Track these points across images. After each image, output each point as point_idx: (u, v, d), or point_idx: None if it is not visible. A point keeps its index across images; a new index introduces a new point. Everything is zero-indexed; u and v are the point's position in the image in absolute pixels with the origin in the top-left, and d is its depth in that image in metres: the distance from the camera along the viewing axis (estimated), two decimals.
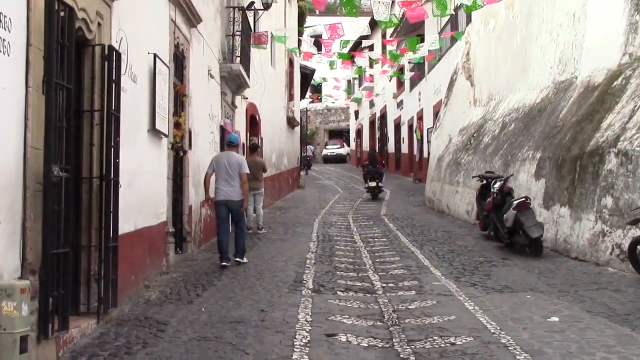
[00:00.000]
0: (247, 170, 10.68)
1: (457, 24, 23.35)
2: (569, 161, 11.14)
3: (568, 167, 11.11)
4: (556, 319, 6.73)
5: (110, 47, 6.63)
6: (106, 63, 6.55)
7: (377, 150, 39.98)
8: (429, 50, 21.23)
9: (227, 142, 11.15)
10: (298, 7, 29.66)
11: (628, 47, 11.00)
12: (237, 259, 10.39)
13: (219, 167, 10.43)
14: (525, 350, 5.60)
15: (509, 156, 14.35)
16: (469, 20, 21.57)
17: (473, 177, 15.10)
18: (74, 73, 5.77)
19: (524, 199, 11.37)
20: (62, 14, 5.33)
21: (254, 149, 15.75)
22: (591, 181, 10.27)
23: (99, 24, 6.55)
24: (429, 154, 25.20)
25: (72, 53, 5.58)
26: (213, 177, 10.58)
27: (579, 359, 5.36)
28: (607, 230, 9.63)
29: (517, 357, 5.43)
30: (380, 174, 23.66)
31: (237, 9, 15.50)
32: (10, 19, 4.66)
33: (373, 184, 23.25)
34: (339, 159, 50.19)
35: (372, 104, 44.23)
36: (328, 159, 50.25)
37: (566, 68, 13.31)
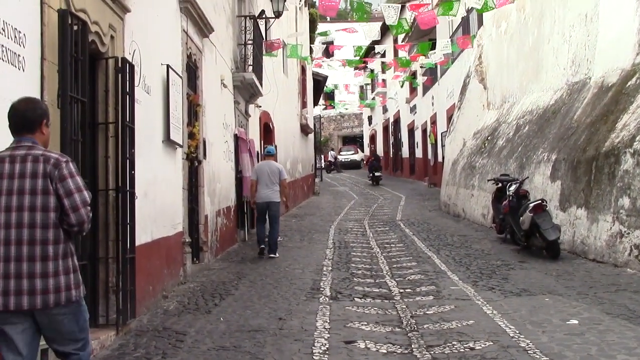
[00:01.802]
0: (287, 176, 12.81)
1: (469, 27, 23.32)
2: (584, 162, 11.08)
3: (584, 169, 11.05)
4: (575, 321, 6.69)
5: (124, 60, 6.68)
6: (120, 75, 6.60)
7: (391, 156, 40.81)
8: (443, 54, 21.24)
9: (265, 153, 13.24)
10: (309, 14, 29.74)
11: None
12: (271, 255, 11.94)
13: (261, 174, 12.18)
14: (545, 353, 5.57)
15: (523, 159, 14.30)
16: (480, 23, 21.54)
17: (488, 180, 15.04)
18: (88, 86, 5.83)
19: (540, 201, 11.31)
20: (75, 27, 5.38)
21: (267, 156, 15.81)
22: (607, 182, 10.20)
23: (111, 37, 6.60)
24: (443, 158, 25.15)
25: (85, 66, 5.63)
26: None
27: None
28: (624, 231, 9.56)
29: None
30: (380, 167, 34.90)
31: (248, 17, 15.56)
32: (24, 34, 4.71)
33: (378, 174, 33.94)
34: (353, 165, 50.20)
35: (385, 110, 44.23)
36: (342, 165, 50.29)
37: (579, 69, 13.24)
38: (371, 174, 34.28)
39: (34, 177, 3.63)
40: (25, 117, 3.79)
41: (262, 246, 12.10)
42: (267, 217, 12.22)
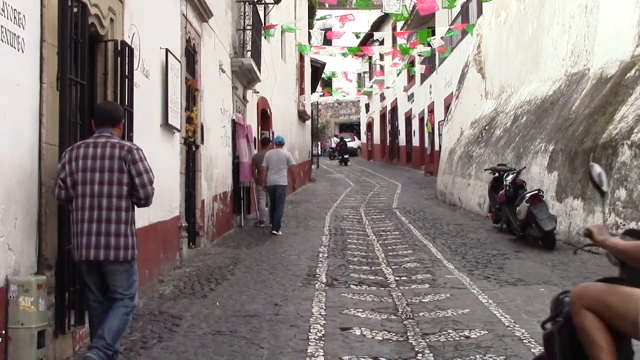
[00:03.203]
0: (294, 162, 14.36)
1: (468, 16, 23.27)
2: (581, 153, 11.09)
3: (581, 160, 11.06)
4: None
5: (123, 43, 6.65)
6: (119, 59, 6.57)
7: (387, 144, 41.10)
8: (441, 38, 21.17)
9: (275, 141, 14.81)
10: (308, 0, 29.62)
11: None
12: (274, 232, 13.08)
13: (271, 161, 13.48)
14: (540, 343, 5.58)
15: (521, 149, 14.31)
16: (479, 12, 21.48)
17: (485, 169, 15.06)
18: (87, 69, 5.79)
19: (536, 191, 11.33)
20: (75, 10, 5.35)
21: (265, 142, 15.78)
22: (604, 173, 10.20)
23: (111, 20, 6.57)
24: (440, 147, 25.15)
25: (85, 49, 5.60)
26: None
27: None
28: (620, 223, 9.59)
29: (532, 350, 5.43)
30: (347, 151, 42.95)
31: (247, 3, 15.49)
32: (24, 15, 4.68)
33: (346, 156, 41.51)
34: (350, 152, 50.14)
35: (382, 97, 44.15)
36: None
37: (578, 60, 13.23)
38: (340, 157, 42.07)
39: (112, 158, 4.75)
40: (110, 115, 5.02)
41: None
42: (274, 199, 13.44)
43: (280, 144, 14.41)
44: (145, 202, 4.93)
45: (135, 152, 4.82)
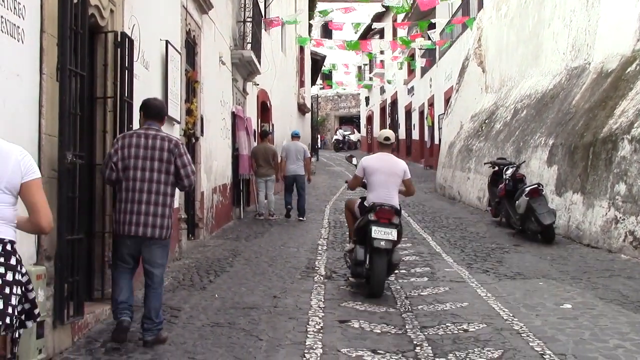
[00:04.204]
0: (309, 155, 15.66)
1: (469, 9, 23.22)
2: (581, 148, 11.09)
3: (581, 154, 11.06)
4: (569, 305, 6.73)
5: (123, 34, 6.63)
6: (119, 50, 6.55)
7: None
8: (440, 33, 21.14)
9: (292, 134, 15.92)
10: None
11: None
12: (300, 218, 14.21)
13: (289, 152, 14.59)
14: (539, 337, 5.61)
15: (521, 143, 14.30)
16: (480, 5, 21.44)
17: (485, 163, 15.05)
18: (87, 60, 5.78)
19: (536, 185, 11.33)
20: (75, 0, 5.33)
21: (264, 135, 15.71)
22: (604, 168, 10.22)
23: (111, 11, 6.54)
24: (440, 140, 25.14)
25: (85, 40, 5.58)
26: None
27: (592, 345, 5.36)
28: (620, 217, 9.60)
29: (530, 343, 5.44)
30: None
31: None
32: (24, 5, 4.67)
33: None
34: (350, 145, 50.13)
35: (382, 91, 44.09)
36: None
37: (579, 54, 13.22)
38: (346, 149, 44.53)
39: (161, 150, 5.42)
40: (160, 110, 5.75)
41: (290, 207, 14.48)
42: (294, 187, 14.49)
43: (296, 136, 15.52)
44: (188, 189, 6.02)
45: (181, 146, 5.50)
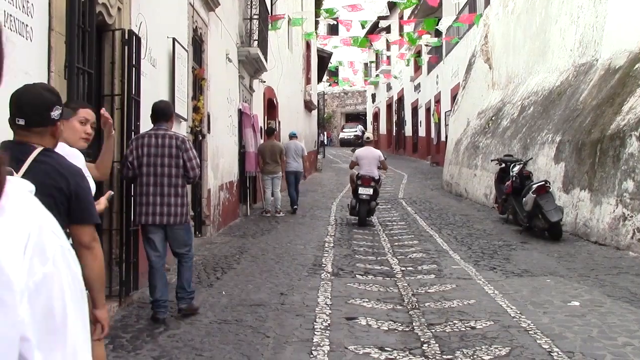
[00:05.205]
0: (306, 153, 17.13)
1: (476, 6, 23.17)
2: (589, 145, 11.06)
3: (588, 151, 11.03)
4: (577, 303, 6.72)
5: (130, 32, 6.64)
6: (126, 48, 6.57)
7: (394, 134, 41.13)
8: (447, 29, 21.09)
9: (290, 135, 16.77)
10: None
11: None
12: (295, 207, 15.32)
13: (289, 150, 15.70)
14: (546, 334, 5.60)
15: (527, 139, 14.27)
16: (487, 2, 21.39)
17: (492, 160, 15.03)
18: (94, 58, 5.80)
19: (543, 182, 11.30)
20: None
21: (270, 132, 15.69)
22: (612, 165, 10.19)
23: (119, 9, 6.56)
24: (446, 137, 25.11)
25: (92, 38, 5.60)
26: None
27: (600, 343, 5.35)
28: (628, 214, 9.57)
29: (538, 341, 5.43)
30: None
31: None
32: (32, 4, 4.68)
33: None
34: (356, 142, 50.12)
35: (389, 87, 44.05)
36: (345, 142, 50.20)
37: (586, 50, 13.17)
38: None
39: (170, 147, 6.11)
40: (165, 112, 6.32)
41: (295, 207, 15.27)
42: (294, 183, 15.60)
43: (294, 136, 16.65)
44: (194, 180, 6.47)
45: (186, 142, 6.22)
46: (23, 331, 0.87)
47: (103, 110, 4.67)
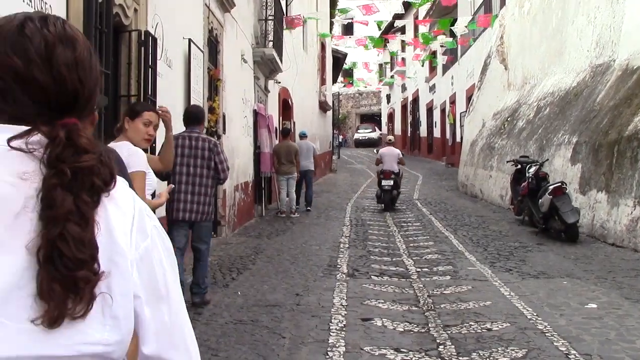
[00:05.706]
0: (318, 153, 18.06)
1: (491, 6, 23.08)
2: (606, 146, 10.98)
3: (605, 152, 10.96)
4: (594, 305, 6.67)
5: (147, 33, 6.68)
6: (142, 48, 6.61)
7: (409, 135, 41.06)
8: (461, 35, 21.05)
9: (300, 135, 17.30)
10: None
11: None
12: (308, 208, 15.77)
13: (301, 150, 15.81)
14: (563, 336, 5.56)
15: (544, 140, 14.19)
16: (503, 2, 21.30)
17: (507, 161, 14.96)
18: (111, 59, 5.82)
19: (559, 183, 11.24)
20: (100, 0, 5.37)
21: (285, 133, 15.71)
22: (629, 166, 10.11)
23: (135, 10, 6.59)
24: (461, 138, 25.03)
25: (109, 39, 5.63)
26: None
27: (618, 346, 5.31)
28: None
29: (555, 343, 5.39)
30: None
31: None
32: (50, 5, 4.71)
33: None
34: (371, 143, 50.06)
35: (404, 88, 43.98)
36: (360, 143, 50.17)
37: (603, 51, 13.08)
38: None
39: (203, 149, 6.50)
40: (197, 116, 6.67)
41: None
42: (303, 181, 16.01)
43: (304, 136, 17.01)
44: (224, 181, 7.08)
45: (218, 146, 6.64)
46: (136, 290, 1.09)
47: (163, 107, 5.18)
